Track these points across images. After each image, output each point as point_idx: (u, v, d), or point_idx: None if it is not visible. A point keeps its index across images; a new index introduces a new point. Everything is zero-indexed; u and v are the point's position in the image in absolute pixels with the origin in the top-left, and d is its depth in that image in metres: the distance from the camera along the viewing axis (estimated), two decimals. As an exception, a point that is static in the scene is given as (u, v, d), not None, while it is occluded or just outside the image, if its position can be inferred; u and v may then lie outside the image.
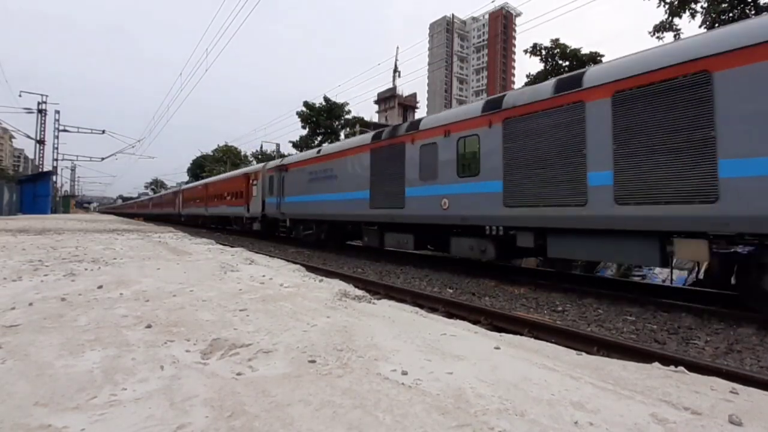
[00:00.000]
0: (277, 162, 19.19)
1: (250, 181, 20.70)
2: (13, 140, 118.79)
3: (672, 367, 2.71)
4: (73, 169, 71.80)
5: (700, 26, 14.62)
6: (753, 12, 13.45)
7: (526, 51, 19.80)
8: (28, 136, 39.78)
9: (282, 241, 18.47)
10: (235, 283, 5.15)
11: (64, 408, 1.81)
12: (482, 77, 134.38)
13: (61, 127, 43.71)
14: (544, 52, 19.37)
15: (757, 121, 4.92)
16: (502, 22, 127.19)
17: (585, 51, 18.87)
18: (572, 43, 19.17)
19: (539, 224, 7.30)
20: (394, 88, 71.07)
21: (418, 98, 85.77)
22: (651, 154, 5.80)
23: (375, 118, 64.86)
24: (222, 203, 25.74)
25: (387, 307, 4.48)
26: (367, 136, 12.59)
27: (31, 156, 60.62)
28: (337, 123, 38.44)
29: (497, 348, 2.94)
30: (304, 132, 38.59)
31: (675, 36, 15.17)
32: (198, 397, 1.95)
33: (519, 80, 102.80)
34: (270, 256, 10.84)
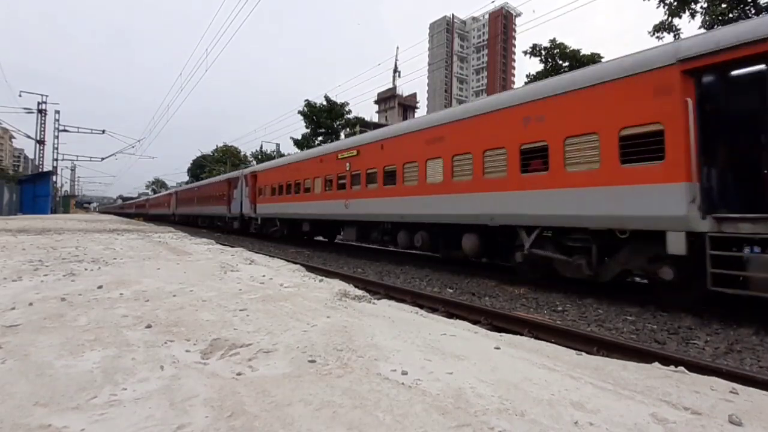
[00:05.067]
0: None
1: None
2: (13, 140, 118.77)
3: (672, 367, 2.71)
4: (73, 169, 71.96)
5: (700, 27, 14.60)
6: (753, 12, 13.43)
7: (525, 52, 19.81)
8: (28, 136, 39.82)
9: (281, 241, 18.42)
10: (235, 283, 5.15)
11: (64, 408, 1.80)
12: (482, 77, 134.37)
13: (61, 127, 43.73)
14: (543, 53, 19.39)
15: None
16: (502, 22, 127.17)
17: (585, 51, 18.91)
18: (573, 44, 19.22)
19: None
20: (394, 88, 71.17)
21: (418, 98, 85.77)
22: None
23: (375, 118, 64.86)
24: (373, 193, 11.57)
25: (387, 307, 4.48)
26: None
27: (31, 156, 60.63)
28: (337, 123, 38.52)
29: (497, 348, 2.94)
30: (305, 133, 38.71)
31: (675, 36, 15.15)
32: (198, 397, 1.94)
33: (519, 80, 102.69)
34: (270, 256, 10.83)
